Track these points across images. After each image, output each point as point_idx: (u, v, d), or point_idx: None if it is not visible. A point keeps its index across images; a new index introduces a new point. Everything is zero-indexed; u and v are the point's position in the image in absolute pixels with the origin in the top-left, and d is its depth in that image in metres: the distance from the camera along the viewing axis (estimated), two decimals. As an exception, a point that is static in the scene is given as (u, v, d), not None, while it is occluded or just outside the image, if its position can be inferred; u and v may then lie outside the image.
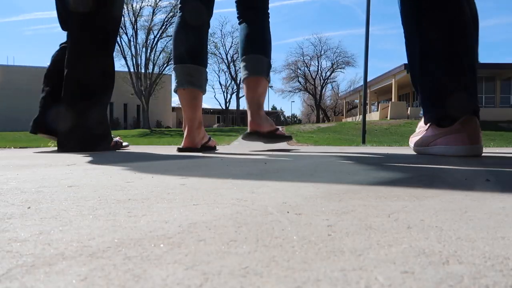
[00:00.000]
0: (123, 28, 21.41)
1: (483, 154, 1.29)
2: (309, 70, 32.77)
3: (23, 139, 7.65)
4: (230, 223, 0.34)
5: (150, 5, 22.89)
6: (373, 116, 20.28)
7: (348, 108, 32.93)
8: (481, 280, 0.20)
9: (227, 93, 31.68)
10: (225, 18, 43.12)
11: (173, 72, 1.68)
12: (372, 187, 0.56)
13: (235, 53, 29.55)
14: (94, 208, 0.41)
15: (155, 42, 23.03)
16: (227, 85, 31.81)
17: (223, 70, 32.22)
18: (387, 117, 17.40)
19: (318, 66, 32.66)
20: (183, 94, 1.65)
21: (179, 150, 1.65)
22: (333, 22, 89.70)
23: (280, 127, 1.98)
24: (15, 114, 22.82)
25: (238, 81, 29.69)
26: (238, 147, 2.49)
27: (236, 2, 1.85)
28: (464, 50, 1.27)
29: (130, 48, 22.30)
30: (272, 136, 1.80)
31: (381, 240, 0.28)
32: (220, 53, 30.82)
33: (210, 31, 1.79)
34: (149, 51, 22.79)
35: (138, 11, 22.53)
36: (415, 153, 1.44)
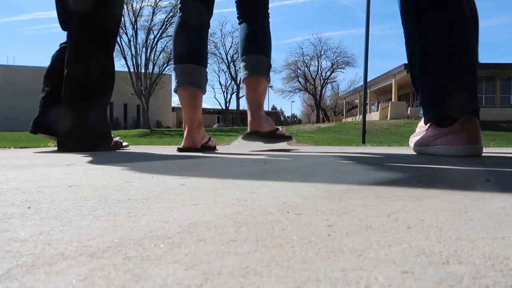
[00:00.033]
0: (123, 28, 21.42)
1: (483, 154, 1.29)
2: (309, 70, 32.81)
3: (23, 139, 7.65)
4: (230, 223, 0.34)
5: (150, 5, 22.91)
6: (373, 116, 20.28)
7: (348, 108, 32.93)
8: (481, 280, 0.20)
9: (227, 93, 31.71)
10: (225, 18, 43.16)
11: (173, 72, 1.69)
12: (372, 187, 0.56)
13: (235, 53, 29.55)
14: (94, 208, 0.41)
15: (155, 42, 23.06)
16: (227, 85, 31.85)
17: (223, 70, 32.26)
18: (387, 117, 17.41)
19: (318, 66, 32.70)
20: (183, 94, 1.65)
21: (179, 150, 1.65)
22: (333, 22, 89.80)
23: (280, 127, 1.98)
24: (15, 114, 22.81)
25: (238, 81, 29.69)
26: (238, 147, 2.49)
27: (236, 2, 1.85)
28: (464, 50, 1.27)
29: (130, 48, 22.33)
30: (272, 136, 1.81)
31: (381, 240, 0.28)
32: (220, 53, 30.88)
33: (210, 31, 1.79)
34: (149, 51, 22.80)
35: (138, 11, 22.55)
36: (415, 153, 1.44)
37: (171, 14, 22.34)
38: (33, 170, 0.83)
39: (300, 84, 33.50)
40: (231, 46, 30.42)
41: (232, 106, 34.78)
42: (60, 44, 1.90)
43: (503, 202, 0.43)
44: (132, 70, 22.00)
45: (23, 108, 21.60)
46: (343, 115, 31.41)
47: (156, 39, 22.97)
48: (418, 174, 0.74)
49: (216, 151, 1.69)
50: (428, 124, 1.37)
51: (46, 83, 1.83)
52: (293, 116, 53.11)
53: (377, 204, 0.42)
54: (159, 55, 23.33)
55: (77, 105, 1.66)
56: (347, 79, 75.06)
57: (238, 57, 29.33)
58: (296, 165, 0.93)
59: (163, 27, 22.89)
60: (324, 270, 0.22)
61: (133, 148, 2.02)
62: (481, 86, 17.49)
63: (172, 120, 30.89)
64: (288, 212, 0.39)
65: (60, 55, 1.82)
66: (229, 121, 32.32)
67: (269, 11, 1.84)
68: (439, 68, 1.28)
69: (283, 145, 2.71)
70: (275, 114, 42.50)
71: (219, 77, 52.15)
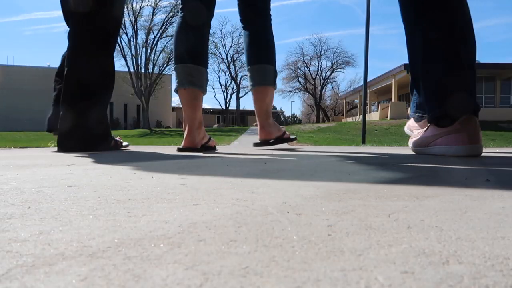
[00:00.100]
0: (123, 28, 21.40)
1: (483, 154, 1.29)
2: (309, 70, 32.82)
3: (23, 139, 7.65)
4: (230, 223, 0.34)
5: (150, 5, 22.91)
6: (373, 116, 20.28)
7: (348, 108, 32.93)
8: (481, 280, 0.20)
9: (227, 93, 31.68)
10: (225, 18, 43.22)
11: (174, 72, 1.69)
12: (372, 187, 0.56)
13: (235, 53, 29.59)
14: (94, 208, 0.41)
15: (155, 42, 23.05)
16: (227, 85, 31.81)
17: (223, 70, 32.19)
18: (387, 117, 17.41)
19: (318, 66, 32.71)
20: (184, 94, 1.65)
21: (179, 150, 1.66)
22: (333, 22, 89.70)
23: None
24: (15, 114, 22.81)
25: (238, 81, 29.68)
26: (238, 147, 2.49)
27: (238, 6, 1.86)
28: (464, 50, 1.27)
29: (130, 48, 22.32)
30: (280, 140, 1.92)
31: (381, 240, 0.28)
32: (220, 53, 30.78)
33: (210, 31, 1.80)
34: (149, 51, 22.80)
35: (138, 11, 22.54)
36: (415, 153, 1.44)
37: (171, 14, 22.34)
38: (33, 170, 0.83)
39: (300, 84, 33.52)
40: (231, 46, 30.46)
41: (232, 106, 34.76)
42: None
43: (503, 202, 0.43)
44: (132, 70, 22.00)
45: (23, 108, 21.62)
46: (343, 115, 31.41)
47: (156, 39, 23.00)
48: (418, 174, 0.74)
49: (216, 151, 1.69)
50: (428, 124, 1.37)
51: (58, 82, 1.84)
52: (293, 116, 53.15)
53: (377, 204, 0.42)
54: (159, 55, 23.36)
55: (77, 105, 1.66)
56: (347, 79, 75.18)
57: (238, 57, 29.41)
58: (296, 165, 0.93)
59: (163, 27, 22.91)
60: (324, 270, 0.22)
61: (133, 148, 2.02)
62: (481, 86, 17.49)
63: (172, 120, 30.90)
64: (288, 212, 0.39)
65: None
66: (229, 121, 32.32)
67: (270, 12, 1.86)
68: (439, 68, 1.28)
69: (283, 145, 2.71)
70: (275, 114, 42.51)
71: (219, 77, 52.18)
